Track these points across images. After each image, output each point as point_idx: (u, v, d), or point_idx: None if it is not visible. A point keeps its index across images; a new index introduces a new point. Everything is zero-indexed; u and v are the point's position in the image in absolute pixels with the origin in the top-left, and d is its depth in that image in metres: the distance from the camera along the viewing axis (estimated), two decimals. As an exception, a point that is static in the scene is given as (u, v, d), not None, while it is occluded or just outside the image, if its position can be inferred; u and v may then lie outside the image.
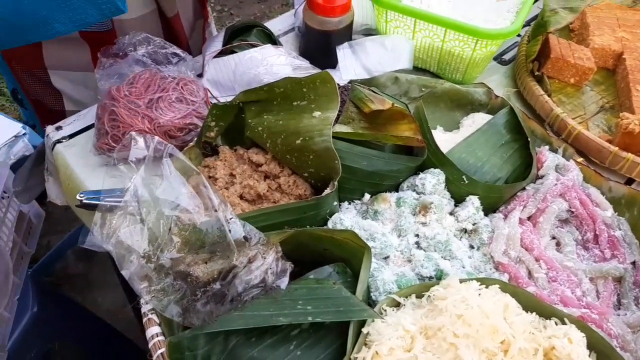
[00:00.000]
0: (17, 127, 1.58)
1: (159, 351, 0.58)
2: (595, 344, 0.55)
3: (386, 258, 0.66)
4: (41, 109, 1.11)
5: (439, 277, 0.63)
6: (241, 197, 0.72)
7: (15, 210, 1.26)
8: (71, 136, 0.89)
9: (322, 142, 0.67)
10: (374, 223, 0.68)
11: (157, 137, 0.63)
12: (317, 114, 0.69)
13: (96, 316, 1.38)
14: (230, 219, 0.60)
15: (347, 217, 0.68)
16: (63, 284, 1.67)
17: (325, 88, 0.70)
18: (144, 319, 0.61)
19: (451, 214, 0.70)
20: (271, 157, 0.74)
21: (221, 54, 0.92)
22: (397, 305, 0.59)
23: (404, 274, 0.63)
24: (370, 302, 0.62)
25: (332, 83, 0.70)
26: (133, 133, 0.64)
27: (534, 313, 0.56)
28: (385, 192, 0.72)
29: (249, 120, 0.73)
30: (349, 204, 0.73)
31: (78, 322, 1.32)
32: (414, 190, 0.72)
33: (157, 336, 0.59)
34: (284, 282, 0.59)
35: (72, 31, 0.77)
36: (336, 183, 0.67)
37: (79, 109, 0.94)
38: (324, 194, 0.67)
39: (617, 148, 0.79)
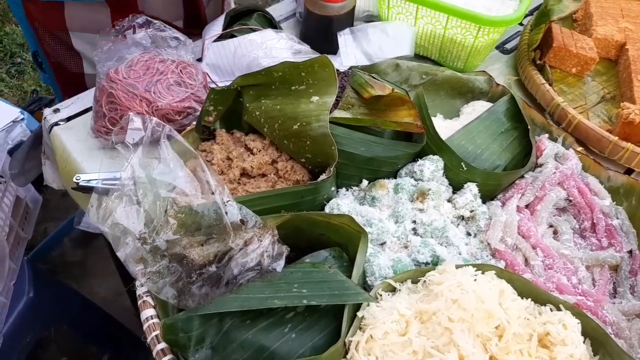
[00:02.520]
0: (15, 112, 1.57)
1: (154, 333, 0.58)
2: (590, 331, 0.54)
3: (383, 244, 0.66)
4: (61, 72, 1.13)
5: (435, 262, 0.63)
6: (239, 178, 0.71)
7: (12, 195, 1.26)
8: (69, 119, 0.88)
9: (319, 128, 0.66)
10: (371, 209, 0.67)
11: (154, 118, 0.63)
12: (315, 98, 0.68)
13: (92, 303, 1.38)
14: (227, 201, 0.60)
15: (344, 203, 0.68)
16: (60, 271, 1.67)
17: (324, 72, 0.69)
18: (139, 301, 0.61)
19: (449, 200, 0.70)
20: (269, 143, 0.74)
21: (221, 38, 0.91)
22: (393, 290, 0.59)
23: (400, 259, 0.63)
24: (366, 287, 0.62)
25: (331, 67, 0.69)
26: (131, 114, 0.64)
27: (529, 299, 0.56)
28: (383, 178, 0.72)
29: (247, 105, 0.73)
30: (347, 190, 0.73)
31: (74, 309, 1.31)
32: (412, 177, 0.71)
33: (152, 318, 0.59)
34: (280, 265, 0.59)
35: None
36: (333, 169, 0.67)
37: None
38: (319, 179, 0.66)
39: (616, 138, 0.78)
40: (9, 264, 1.13)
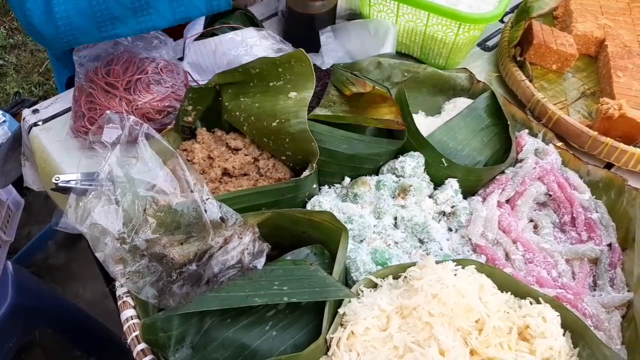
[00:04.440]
0: (-4, 114, 1.55)
1: (134, 334, 0.57)
2: (570, 323, 0.55)
3: (362, 240, 0.66)
4: None
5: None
6: (221, 177, 0.71)
7: (-7, 198, 1.24)
8: (48, 119, 0.87)
9: (297, 124, 0.66)
10: (352, 205, 0.67)
11: (132, 117, 0.62)
12: (293, 94, 0.68)
13: (77, 306, 1.36)
14: (207, 199, 0.59)
15: (326, 200, 0.67)
16: (44, 274, 1.65)
17: (300, 67, 0.69)
18: (119, 302, 0.60)
19: (430, 196, 0.70)
20: (250, 141, 0.73)
21: (202, 37, 0.90)
22: (375, 286, 0.59)
23: (376, 248, 0.63)
24: (351, 283, 0.62)
25: (307, 62, 0.69)
26: (108, 112, 0.63)
27: (509, 293, 0.56)
28: (365, 175, 0.72)
29: (226, 104, 0.72)
30: (329, 187, 0.72)
31: (58, 312, 1.30)
32: (394, 174, 0.71)
33: (132, 319, 0.59)
34: (260, 263, 0.59)
35: (170, 25, 0.73)
36: (315, 165, 0.66)
37: None
38: (302, 175, 0.66)
39: (596, 133, 0.79)
40: (-10, 267, 1.11)
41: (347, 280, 0.63)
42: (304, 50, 0.68)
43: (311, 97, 0.67)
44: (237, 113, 0.71)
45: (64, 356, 1.41)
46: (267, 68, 0.69)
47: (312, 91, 0.67)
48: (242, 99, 0.70)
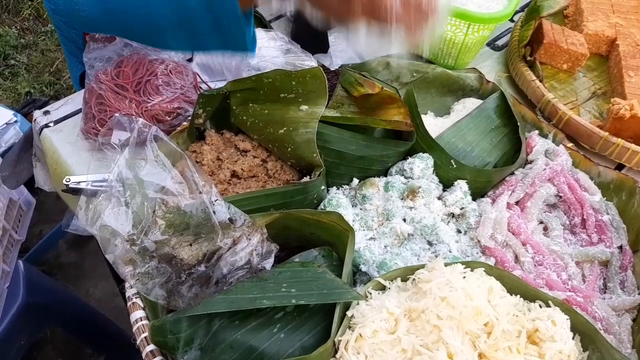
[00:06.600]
0: (8, 114, 1.57)
1: (143, 335, 0.57)
2: (580, 327, 0.54)
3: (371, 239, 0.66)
4: None
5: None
6: (230, 179, 0.71)
7: (5, 198, 1.26)
8: (59, 121, 0.88)
9: (305, 134, 0.66)
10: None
11: (141, 119, 0.62)
12: (304, 107, 0.68)
13: (88, 304, 1.37)
14: (215, 200, 0.59)
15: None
16: (55, 273, 1.66)
17: (314, 83, 0.68)
18: (129, 303, 0.61)
19: (439, 198, 0.70)
20: (258, 143, 0.74)
21: (210, 38, 0.90)
22: (383, 288, 0.58)
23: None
24: (356, 280, 0.62)
25: (323, 79, 0.68)
26: (117, 115, 0.63)
27: (519, 296, 0.56)
28: (374, 176, 0.72)
29: (234, 107, 0.73)
30: (338, 189, 0.72)
31: (69, 310, 1.31)
32: (403, 175, 0.71)
33: (141, 320, 0.59)
34: (269, 263, 0.59)
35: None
36: (318, 173, 0.66)
37: None
38: (303, 180, 0.66)
39: (607, 133, 0.78)
40: (2, 267, 1.12)
41: (354, 278, 0.63)
42: (321, 69, 0.68)
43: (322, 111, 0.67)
44: (245, 117, 0.71)
45: (74, 354, 1.42)
46: (280, 79, 0.68)
47: (324, 107, 0.66)
48: (250, 105, 0.70)
